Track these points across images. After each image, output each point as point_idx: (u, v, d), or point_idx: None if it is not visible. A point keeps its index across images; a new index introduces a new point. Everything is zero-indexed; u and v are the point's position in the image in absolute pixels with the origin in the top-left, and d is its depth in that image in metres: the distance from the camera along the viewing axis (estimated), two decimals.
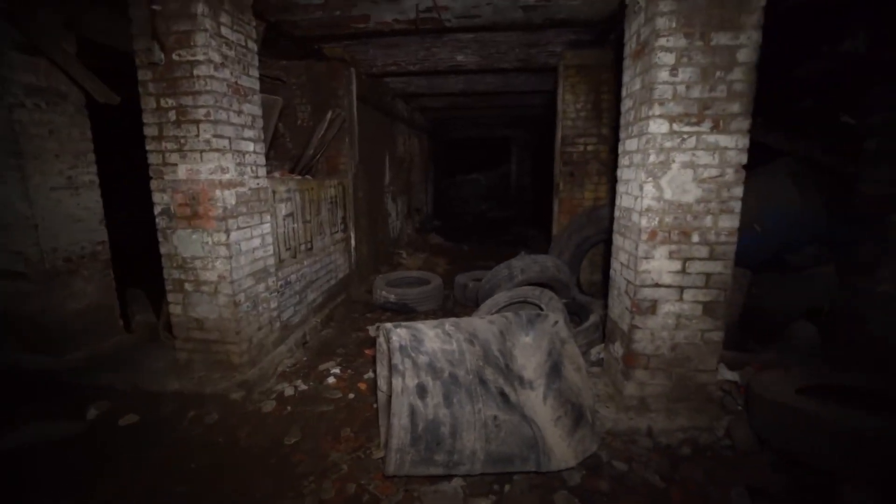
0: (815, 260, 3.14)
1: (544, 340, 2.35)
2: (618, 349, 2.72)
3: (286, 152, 4.97)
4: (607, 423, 2.53)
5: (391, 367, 2.14)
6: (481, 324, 2.41)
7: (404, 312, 4.57)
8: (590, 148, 4.87)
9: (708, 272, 2.41)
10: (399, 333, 2.18)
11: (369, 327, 4.23)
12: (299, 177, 4.11)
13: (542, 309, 3.18)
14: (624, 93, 2.69)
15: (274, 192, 3.41)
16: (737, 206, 2.35)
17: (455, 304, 4.82)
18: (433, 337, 2.22)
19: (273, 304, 3.40)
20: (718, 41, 2.23)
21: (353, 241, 5.23)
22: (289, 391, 3.05)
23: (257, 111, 3.12)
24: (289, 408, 2.86)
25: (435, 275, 5.31)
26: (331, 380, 3.21)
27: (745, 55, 2.23)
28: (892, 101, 2.50)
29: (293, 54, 4.59)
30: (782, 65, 3.72)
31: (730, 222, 2.36)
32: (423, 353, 2.12)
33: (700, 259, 2.40)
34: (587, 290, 4.60)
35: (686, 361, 2.53)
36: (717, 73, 2.25)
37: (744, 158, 2.31)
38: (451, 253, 7.95)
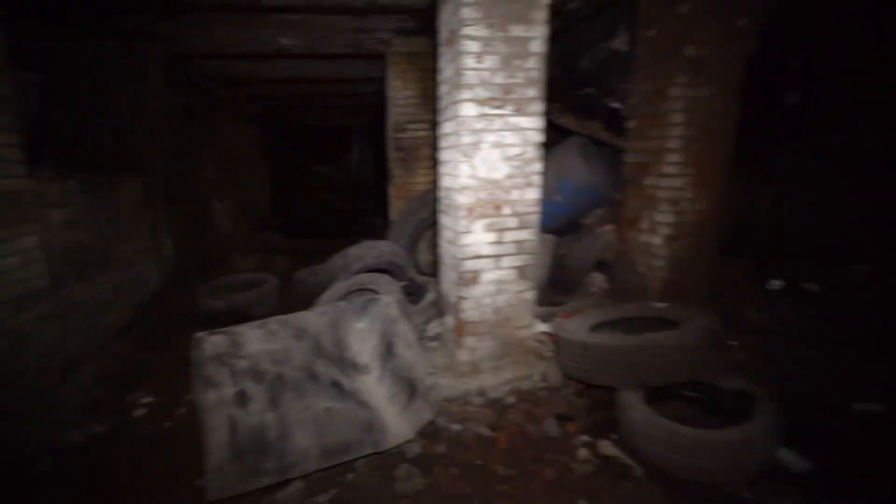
0: (603, 220, 3.82)
1: (377, 323, 2.41)
2: (450, 321, 2.94)
3: None
4: (444, 390, 2.71)
5: (204, 380, 1.97)
6: (311, 317, 2.37)
7: (238, 319, 4.20)
8: (420, 134, 5.05)
9: (519, 240, 2.74)
10: (213, 341, 2.01)
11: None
12: (84, 175, 3.43)
13: (379, 294, 3.25)
14: (440, 78, 2.84)
15: (41, 196, 2.76)
16: (538, 179, 2.70)
17: (297, 302, 4.62)
18: (256, 338, 2.11)
19: (49, 336, 2.80)
20: (515, 32, 2.49)
21: (166, 248, 4.60)
22: (77, 438, 2.49)
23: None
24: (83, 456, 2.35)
25: (270, 275, 4.97)
26: (140, 412, 2.78)
27: (537, 46, 2.54)
28: (644, 89, 3.13)
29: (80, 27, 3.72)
30: (572, 58, 4.35)
31: (533, 194, 2.71)
32: (243, 358, 2.00)
33: (512, 229, 2.70)
34: (427, 270, 4.83)
35: (507, 322, 2.85)
36: (516, 62, 2.51)
37: (541, 137, 2.65)
38: (291, 250, 7.52)
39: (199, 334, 2.08)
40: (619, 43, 3.75)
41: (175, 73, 4.93)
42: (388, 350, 2.41)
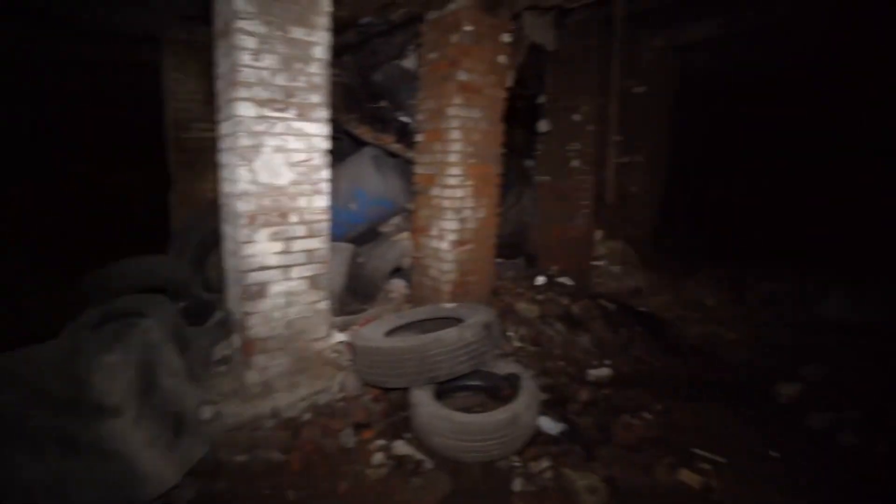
0: (399, 228, 4.00)
1: (133, 353, 2.02)
2: (236, 340, 2.67)
3: None
4: (231, 418, 2.42)
5: None
6: (28, 354, 1.86)
7: None
8: (207, 134, 4.48)
9: (309, 249, 2.64)
10: None
11: None
12: None
13: (144, 318, 2.75)
14: (217, 73, 2.55)
15: None
16: (326, 187, 2.65)
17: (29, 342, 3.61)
18: None
19: None
20: (295, 34, 2.39)
21: None
22: None
23: None
24: None
25: None
26: None
27: (320, 52, 2.50)
28: (428, 106, 3.38)
29: None
30: (369, 70, 4.45)
31: (322, 202, 2.65)
32: None
33: (301, 238, 2.60)
34: (219, 287, 4.32)
35: (301, 335, 2.72)
36: (297, 65, 2.42)
37: (327, 144, 2.61)
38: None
39: None
40: (409, 62, 4.00)
41: None
42: (148, 383, 2.03)
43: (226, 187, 2.58)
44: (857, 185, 5.84)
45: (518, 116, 5.81)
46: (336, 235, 3.59)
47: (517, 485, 2.16)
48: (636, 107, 5.00)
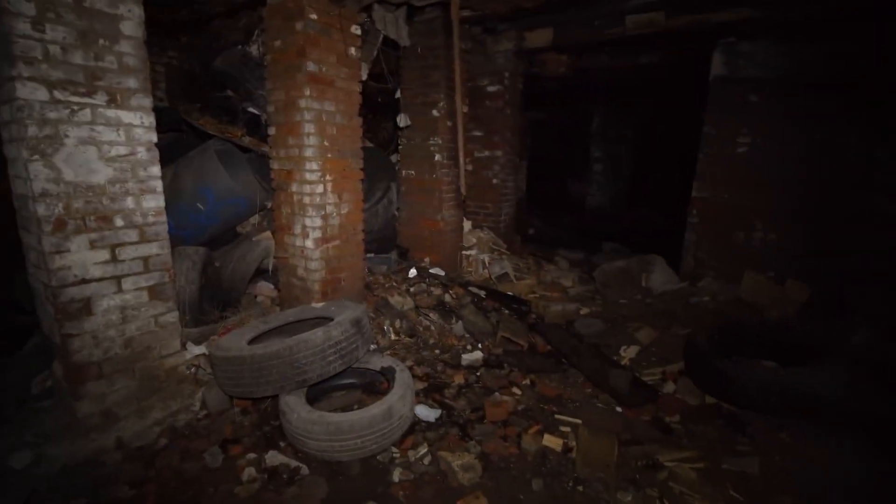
0: (260, 227, 3.71)
1: None
2: (58, 368, 2.24)
3: None
4: (61, 459, 2.06)
5: None
6: None
7: None
8: None
9: (144, 255, 2.31)
10: None
11: None
12: None
13: None
14: None
15: None
16: (158, 185, 2.33)
17: None
18: None
19: None
20: (94, 4, 2.03)
21: None
22: None
23: None
24: None
25: None
26: None
27: (131, 28, 2.17)
28: (278, 97, 3.17)
29: None
30: (210, 55, 4.02)
31: (155, 202, 2.33)
32: None
33: (131, 243, 2.25)
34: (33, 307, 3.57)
35: (147, 352, 2.38)
36: (101, 42, 2.07)
37: (153, 137, 2.29)
38: None
39: None
40: (255, 48, 3.71)
41: None
42: None
43: (17, 187, 2.12)
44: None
45: (383, 110, 5.82)
46: (185, 239, 3.20)
47: (395, 475, 2.16)
48: (492, 105, 5.35)
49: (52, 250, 2.00)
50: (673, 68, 5.57)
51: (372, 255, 4.28)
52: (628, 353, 3.65)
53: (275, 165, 3.30)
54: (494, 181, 5.49)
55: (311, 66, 3.02)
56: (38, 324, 2.49)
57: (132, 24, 2.17)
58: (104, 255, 2.17)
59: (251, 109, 3.61)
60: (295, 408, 2.23)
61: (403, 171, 4.81)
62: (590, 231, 7.87)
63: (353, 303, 2.99)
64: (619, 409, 2.89)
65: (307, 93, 3.03)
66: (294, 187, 3.21)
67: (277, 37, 3.13)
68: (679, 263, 5.00)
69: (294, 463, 2.17)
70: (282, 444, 2.33)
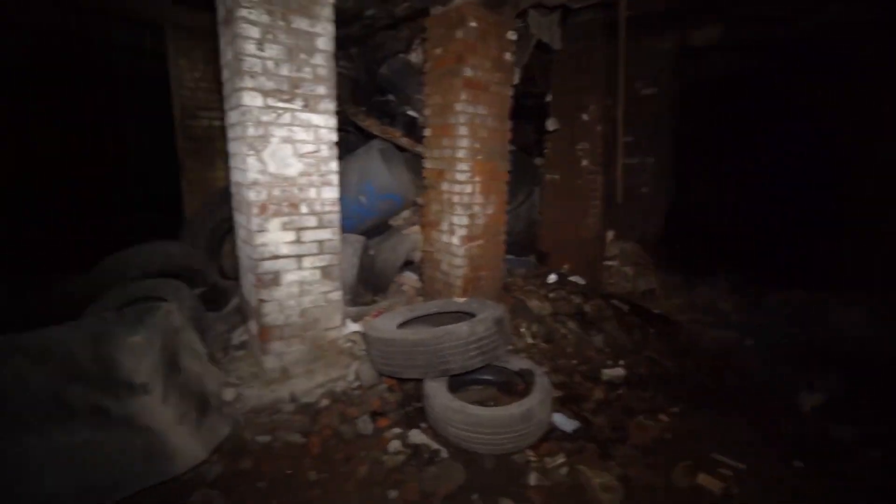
0: (410, 222, 3.98)
1: (157, 335, 2.03)
2: (253, 326, 2.67)
3: None
4: (251, 401, 2.45)
5: None
6: (59, 334, 1.88)
7: None
8: (216, 123, 4.51)
9: (320, 239, 2.64)
10: None
11: None
12: None
13: (164, 302, 2.76)
14: (222, 62, 2.58)
15: None
16: (335, 178, 2.65)
17: (54, 321, 3.62)
18: None
19: None
20: (299, 25, 2.40)
21: None
22: None
23: None
24: None
25: None
26: None
27: (324, 43, 2.51)
28: (435, 101, 3.37)
29: None
30: (375, 63, 4.46)
31: (331, 193, 2.65)
32: None
33: (311, 228, 2.59)
34: (233, 275, 4.34)
35: (316, 323, 2.72)
36: (302, 56, 2.43)
37: (335, 136, 2.61)
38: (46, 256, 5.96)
39: None
40: (415, 56, 4.00)
41: None
42: (172, 364, 2.04)
43: (235, 176, 2.59)
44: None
45: (528, 114, 5.82)
46: (346, 228, 3.58)
47: (532, 479, 2.12)
48: (645, 108, 4.97)
49: (257, 229, 2.40)
50: None
51: (511, 256, 4.29)
52: (810, 400, 3.05)
53: (428, 165, 3.52)
54: (643, 189, 5.09)
55: (467, 72, 3.15)
56: (234, 288, 3.01)
57: (325, 39, 2.51)
58: (291, 236, 2.53)
59: (410, 112, 3.91)
60: (438, 394, 2.33)
61: (547, 176, 4.74)
62: (755, 248, 6.81)
63: (494, 302, 3.03)
64: (798, 463, 2.43)
65: (463, 97, 3.17)
66: (444, 186, 3.38)
67: (438, 45, 3.33)
68: None
69: (434, 445, 2.27)
70: (423, 425, 2.44)
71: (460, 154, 3.24)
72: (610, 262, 4.90)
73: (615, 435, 2.51)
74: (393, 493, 1.97)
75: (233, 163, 2.60)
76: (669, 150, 5.25)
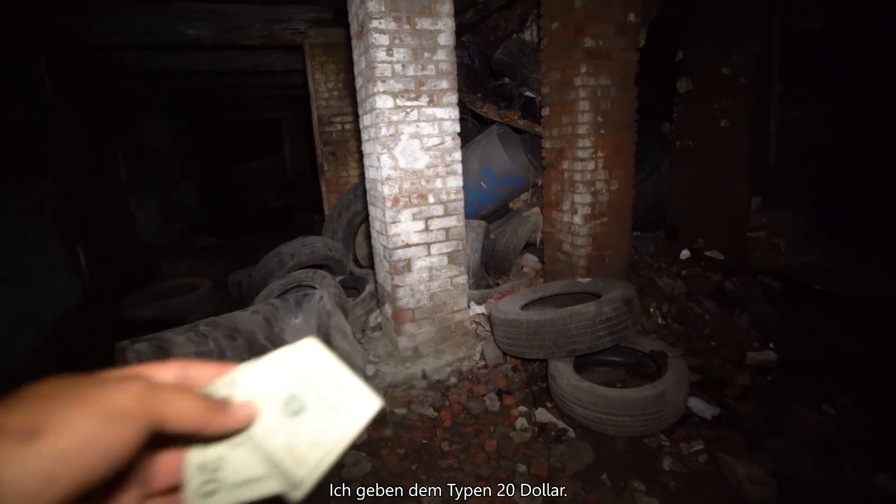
0: (529, 204, 4.00)
1: (313, 318, 2.41)
2: (388, 310, 2.98)
3: None
4: (388, 377, 2.77)
5: None
6: (244, 316, 2.32)
7: (171, 327, 4.02)
8: (347, 126, 5.00)
9: (446, 227, 2.82)
10: (137, 349, 1.93)
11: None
12: None
13: (315, 290, 3.22)
14: (355, 71, 2.85)
15: None
16: (458, 167, 2.78)
17: (233, 305, 4.47)
18: (185, 342, 2.04)
19: None
20: (423, 25, 2.54)
21: (83, 258, 4.28)
22: None
23: None
24: None
25: (204, 279, 4.80)
26: None
27: (445, 39, 2.61)
28: (553, 79, 3.30)
29: None
30: (489, 48, 4.49)
31: (455, 182, 2.79)
32: None
33: (438, 217, 2.78)
34: (365, 263, 4.83)
35: (443, 306, 2.93)
36: (426, 54, 2.57)
37: (457, 127, 2.73)
38: (225, 251, 7.24)
39: (122, 343, 1.98)
40: (529, 34, 3.93)
41: (74, 64, 4.55)
42: (325, 343, 2.41)
43: (370, 174, 2.87)
44: None
45: (653, 76, 5.34)
46: (468, 213, 3.75)
47: (666, 464, 2.07)
48: (808, 48, 4.21)
49: (390, 221, 2.65)
50: None
51: (638, 233, 4.07)
52: None
53: (547, 144, 3.48)
54: (805, 147, 4.38)
55: (588, 42, 3.02)
56: (367, 276, 3.35)
57: (446, 35, 2.61)
58: (420, 225, 2.74)
59: (527, 93, 3.88)
60: (565, 374, 2.38)
61: (678, 142, 4.34)
62: None
63: (622, 281, 2.94)
64: None
65: (583, 69, 3.05)
66: (565, 165, 3.32)
67: (555, 18, 3.23)
68: None
69: (561, 424, 2.34)
70: (549, 404, 2.52)
71: (581, 130, 3.14)
72: (756, 234, 4.36)
73: (766, 425, 2.32)
74: (522, 467, 2.09)
75: (367, 161, 2.88)
76: (843, 99, 4.40)
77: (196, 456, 0.36)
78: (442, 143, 2.69)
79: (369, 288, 3.65)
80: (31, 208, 3.57)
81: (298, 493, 0.35)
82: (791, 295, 3.45)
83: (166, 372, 0.36)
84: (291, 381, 0.39)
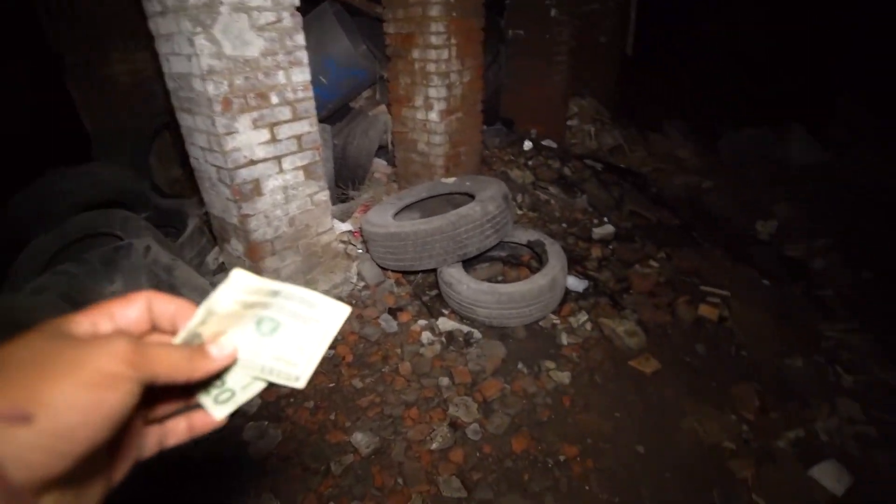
0: (374, 101, 3.55)
1: (142, 278, 1.74)
2: (238, 246, 2.39)
3: None
4: None
5: None
6: (22, 301, 1.54)
7: None
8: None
9: (297, 134, 2.27)
10: None
11: None
12: None
13: (121, 238, 2.36)
14: None
15: None
16: (304, 56, 2.19)
17: None
18: None
19: None
20: None
21: None
22: None
23: None
24: None
25: None
26: None
27: None
28: None
29: None
30: None
31: (302, 76, 2.21)
32: None
33: (286, 122, 2.21)
34: (171, 191, 3.80)
35: (307, 230, 2.49)
36: None
37: (296, 0, 2.09)
38: None
39: None
40: None
41: None
42: None
43: (175, 66, 2.06)
44: None
45: None
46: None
47: (563, 339, 2.26)
48: None
49: (224, 131, 1.99)
50: None
51: (484, 127, 4.06)
52: (766, 227, 3.43)
53: (390, 29, 3.01)
54: (602, 39, 4.85)
55: None
56: (179, 207, 2.65)
57: None
58: (265, 134, 2.15)
59: None
60: (462, 280, 2.31)
61: (510, 32, 4.30)
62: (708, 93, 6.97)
63: (488, 177, 2.91)
64: (765, 282, 2.81)
65: None
66: (415, 53, 2.96)
67: None
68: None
69: (466, 328, 2.32)
70: (445, 311, 2.47)
71: (434, 11, 2.77)
72: (570, 122, 4.83)
73: (620, 287, 2.71)
74: (445, 380, 2.03)
75: (166, 48, 2.03)
76: None
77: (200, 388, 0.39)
78: (279, 20, 2.04)
79: (194, 223, 2.88)
80: None
81: (300, 384, 0.39)
82: (609, 174, 3.98)
83: (132, 308, 0.36)
84: (250, 309, 0.41)
